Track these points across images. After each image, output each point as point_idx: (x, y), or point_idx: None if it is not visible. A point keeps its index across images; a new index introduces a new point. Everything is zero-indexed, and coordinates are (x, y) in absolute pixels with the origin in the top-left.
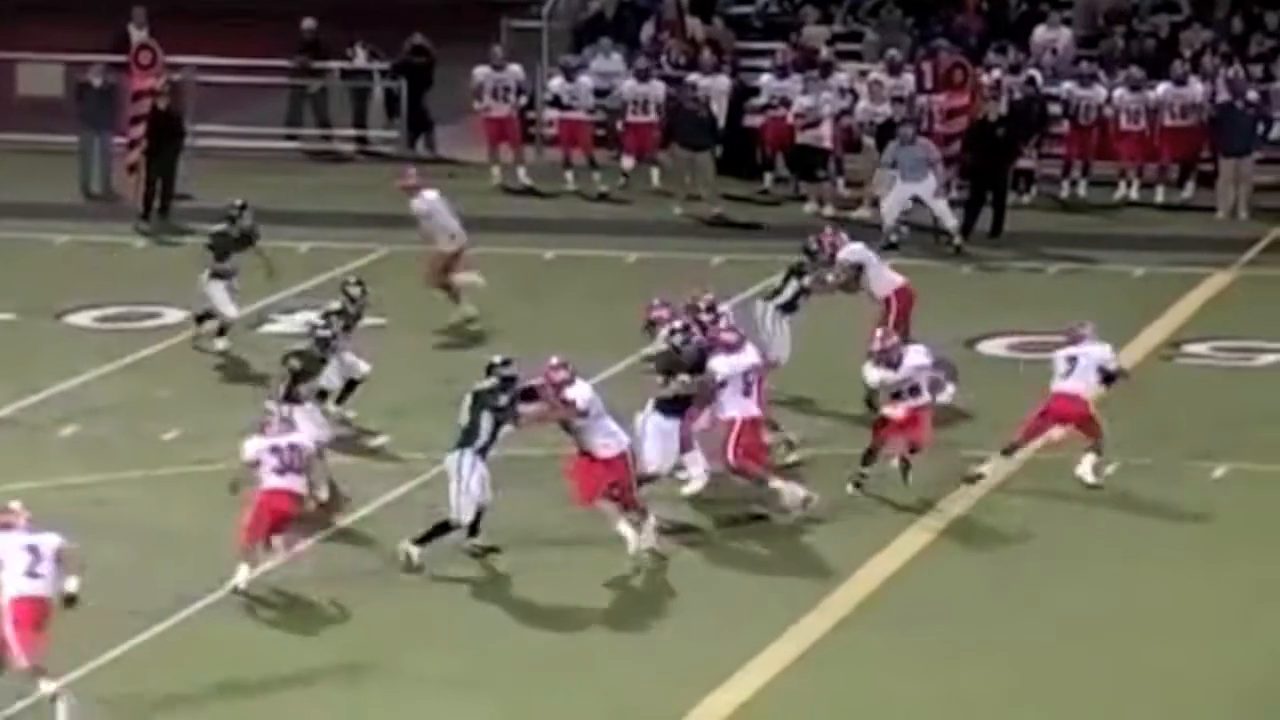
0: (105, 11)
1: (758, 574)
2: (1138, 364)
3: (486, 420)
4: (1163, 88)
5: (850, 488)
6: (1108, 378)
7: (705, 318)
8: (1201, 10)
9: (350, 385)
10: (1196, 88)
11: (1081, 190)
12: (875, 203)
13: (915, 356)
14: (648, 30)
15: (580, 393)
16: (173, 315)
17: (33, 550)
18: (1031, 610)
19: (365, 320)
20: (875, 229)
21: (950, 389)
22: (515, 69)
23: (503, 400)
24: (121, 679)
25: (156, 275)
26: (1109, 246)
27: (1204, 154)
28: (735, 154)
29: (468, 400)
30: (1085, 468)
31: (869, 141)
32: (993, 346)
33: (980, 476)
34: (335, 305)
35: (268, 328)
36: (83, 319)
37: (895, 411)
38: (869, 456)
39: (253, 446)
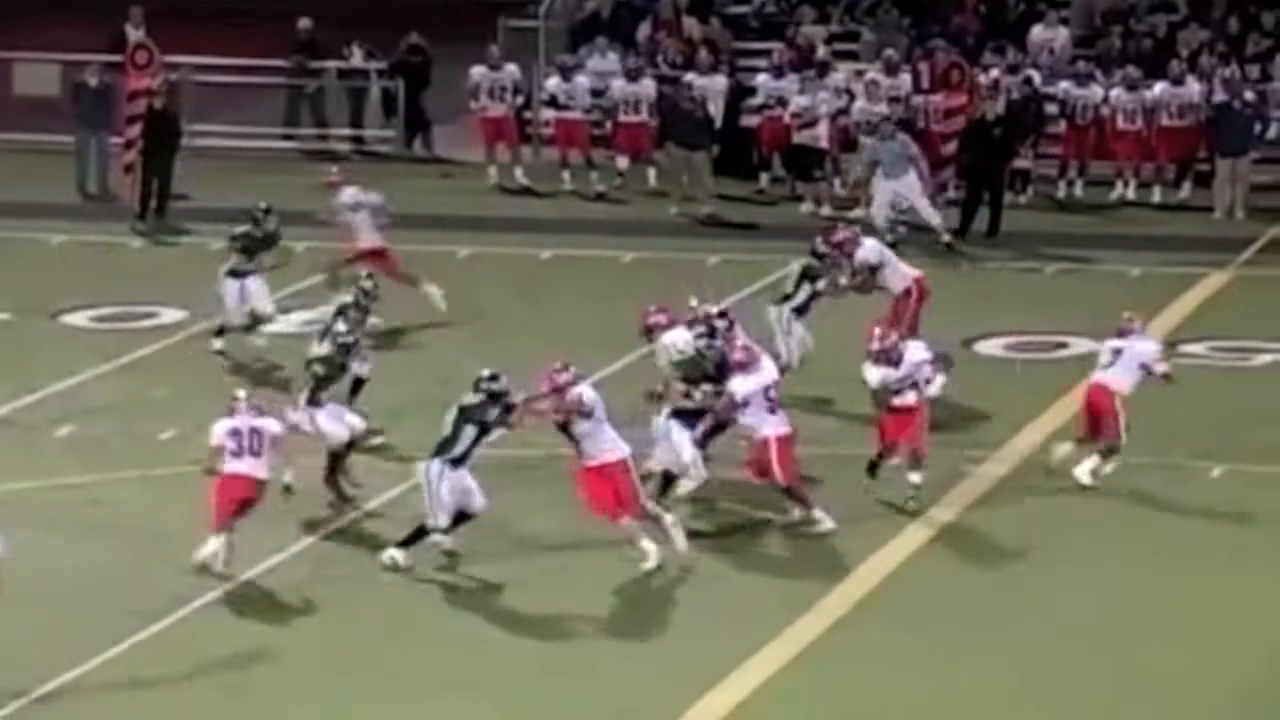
0: (102, 11)
1: (755, 574)
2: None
3: (468, 433)
4: (1159, 87)
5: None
6: (1165, 375)
7: (720, 324)
8: (1198, 10)
9: (356, 384)
10: (1193, 87)
11: (1078, 190)
12: (870, 202)
13: (915, 352)
14: (644, 30)
15: (585, 393)
16: (169, 315)
17: None
18: (1030, 610)
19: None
20: (873, 229)
21: (939, 380)
22: (512, 69)
23: (490, 415)
24: (119, 678)
25: (153, 275)
26: (1105, 246)
27: (1201, 154)
28: (732, 154)
29: (453, 413)
30: (1084, 468)
31: (866, 141)
32: (989, 346)
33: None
34: (348, 298)
35: (265, 328)
36: (79, 319)
37: (905, 400)
38: (878, 461)
39: (217, 430)
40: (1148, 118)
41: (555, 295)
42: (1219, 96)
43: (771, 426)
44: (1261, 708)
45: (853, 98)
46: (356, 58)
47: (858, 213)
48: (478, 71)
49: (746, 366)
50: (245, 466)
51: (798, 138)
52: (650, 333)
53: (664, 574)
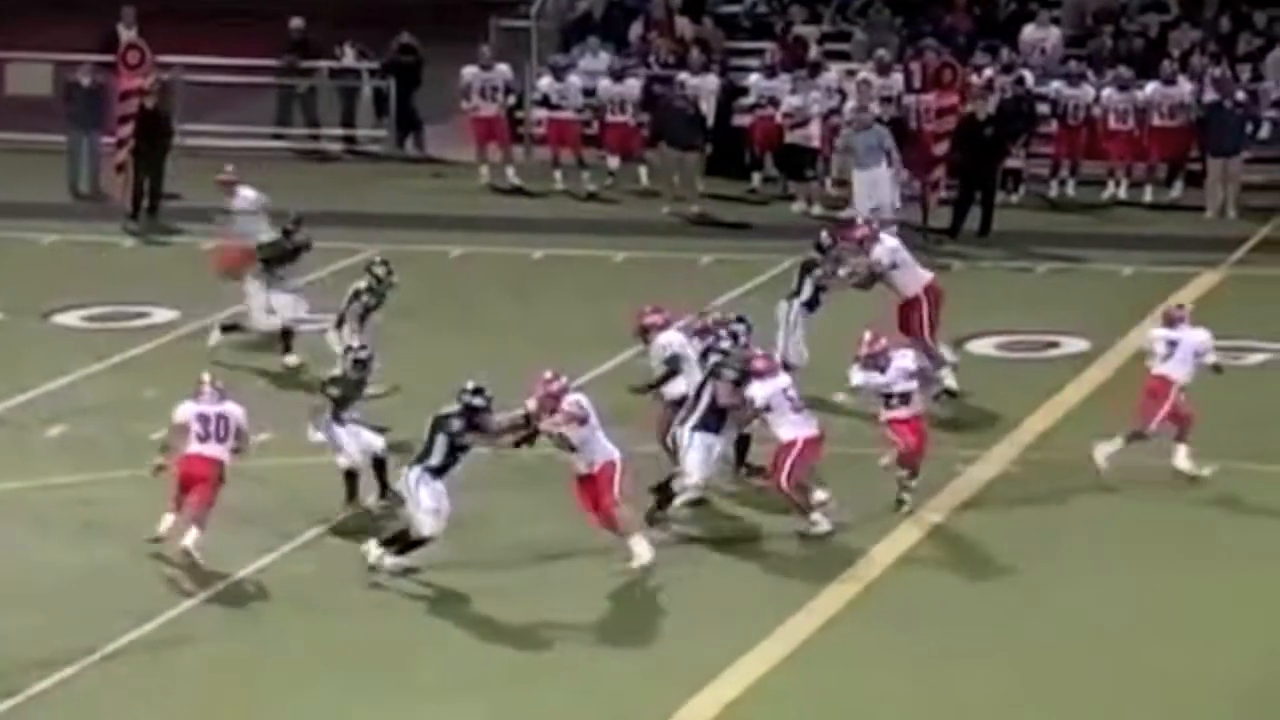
0: (94, 11)
1: (746, 574)
2: (1125, 364)
3: (441, 443)
4: (1151, 87)
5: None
6: (1214, 366)
7: (739, 328)
8: (1190, 10)
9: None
10: (1185, 87)
11: (1070, 189)
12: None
13: (902, 361)
14: (636, 29)
15: (579, 401)
16: (161, 315)
17: None
18: (1023, 610)
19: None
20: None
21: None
22: (503, 68)
23: (456, 426)
24: (110, 678)
25: (145, 275)
26: (1097, 246)
27: (1192, 153)
28: (724, 153)
29: (429, 421)
30: (1180, 458)
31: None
32: (982, 346)
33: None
34: (361, 284)
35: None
36: (70, 319)
37: (896, 414)
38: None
39: (182, 412)
40: (1139, 117)
41: (547, 295)
42: (1210, 96)
43: (797, 430)
44: (1261, 708)
45: (845, 97)
46: (348, 57)
47: (849, 212)
48: (469, 71)
49: (764, 374)
50: (209, 449)
51: (790, 137)
52: (645, 333)
53: (654, 573)
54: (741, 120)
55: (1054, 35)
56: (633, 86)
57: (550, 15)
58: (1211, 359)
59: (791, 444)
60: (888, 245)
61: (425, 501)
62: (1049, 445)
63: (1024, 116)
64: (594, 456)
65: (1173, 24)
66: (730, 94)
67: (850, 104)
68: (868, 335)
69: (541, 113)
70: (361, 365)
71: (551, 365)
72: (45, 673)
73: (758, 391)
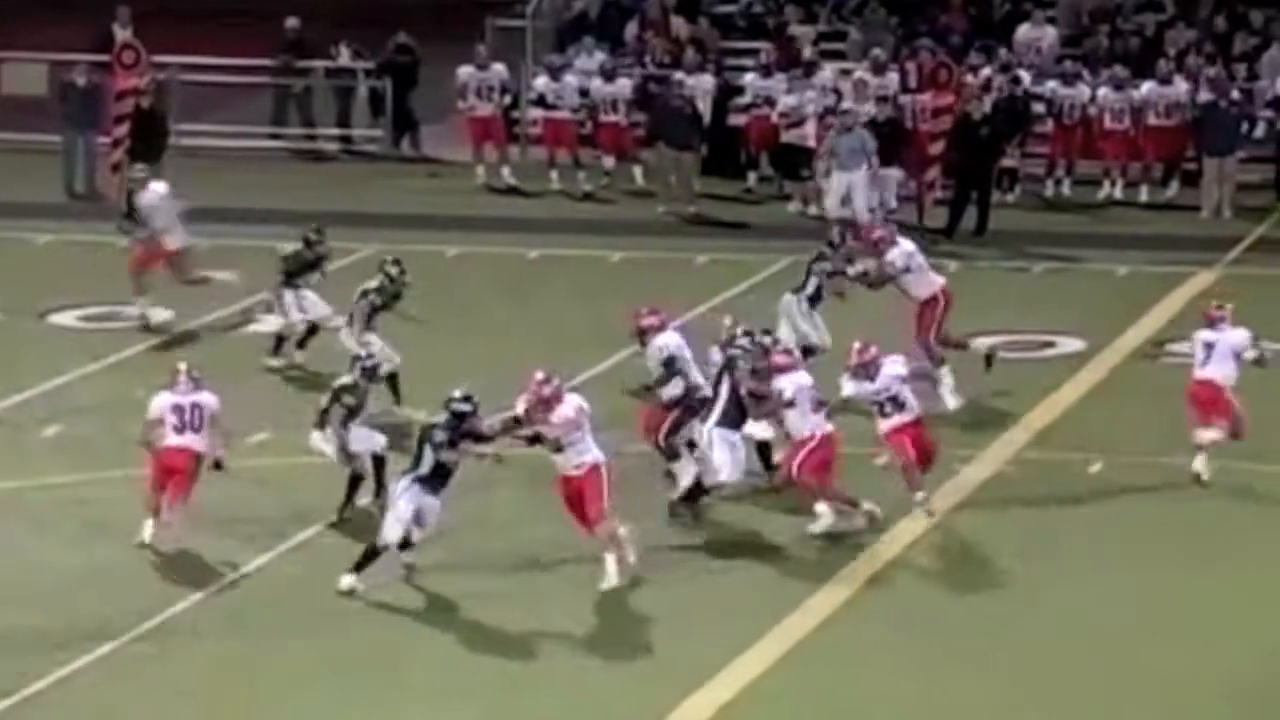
0: (90, 11)
1: (742, 574)
2: (1121, 363)
3: (428, 455)
4: (1147, 87)
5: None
6: (1256, 360)
7: (767, 340)
8: (1185, 9)
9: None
10: (1181, 87)
11: (1066, 189)
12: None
13: (893, 367)
14: (632, 29)
15: (570, 406)
16: (156, 315)
17: None
18: (1020, 610)
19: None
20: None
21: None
22: (499, 68)
23: (439, 436)
24: (107, 678)
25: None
26: (1093, 245)
27: (1188, 153)
28: (720, 153)
29: (418, 433)
30: (1204, 438)
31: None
32: (978, 345)
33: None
34: (372, 283)
35: (250, 328)
36: (66, 318)
37: (892, 423)
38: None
39: (157, 404)
40: (1135, 117)
41: (543, 295)
42: (1206, 96)
43: (816, 425)
44: (1261, 708)
45: (840, 97)
46: (344, 57)
47: (843, 212)
48: (465, 71)
49: (786, 369)
50: (185, 440)
51: (785, 137)
52: (643, 335)
53: (652, 576)
54: (737, 120)
55: (1050, 35)
56: (624, 86)
57: (546, 15)
58: (1251, 354)
59: (809, 438)
60: (904, 249)
61: (400, 509)
62: (1045, 445)
63: (1019, 116)
64: (582, 458)
65: (1168, 23)
66: (726, 94)
67: (846, 103)
68: (857, 345)
69: (537, 112)
70: (371, 373)
71: (548, 365)
72: (42, 672)
73: (785, 384)
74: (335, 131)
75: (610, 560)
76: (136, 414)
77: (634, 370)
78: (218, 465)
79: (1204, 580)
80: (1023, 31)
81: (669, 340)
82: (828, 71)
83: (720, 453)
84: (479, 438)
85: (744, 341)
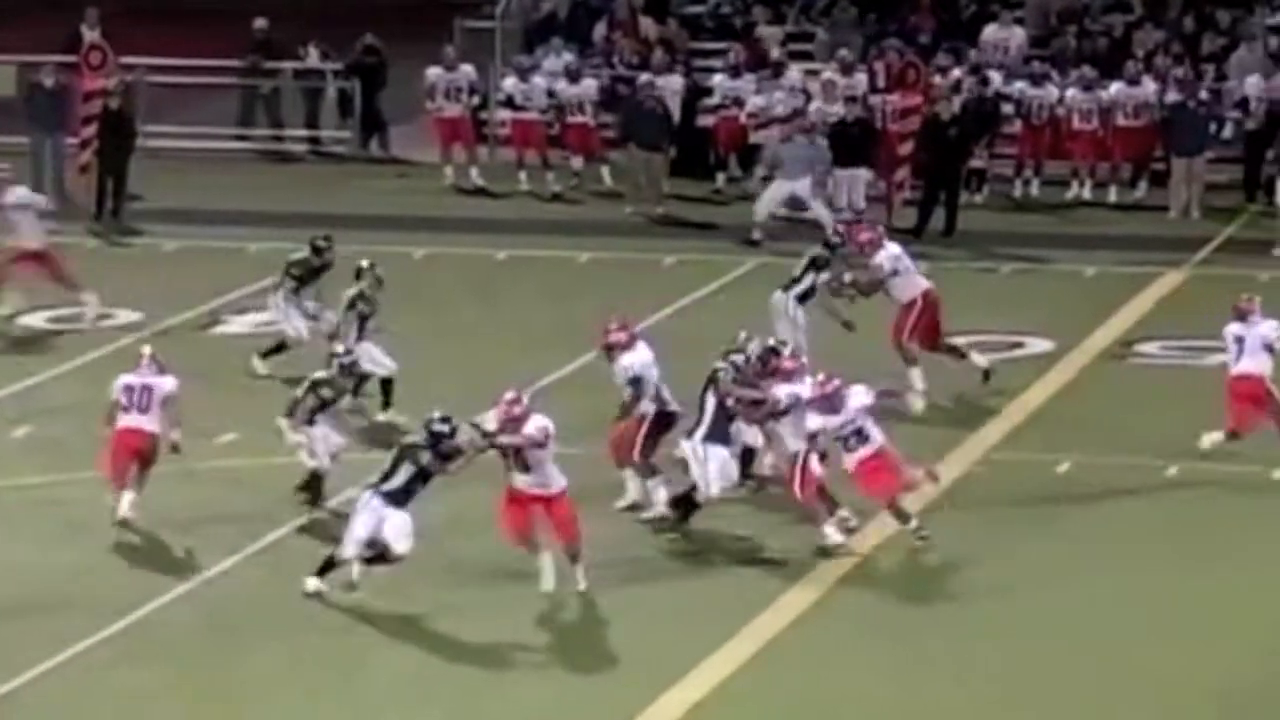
0: (58, 11)
1: (713, 572)
2: (1089, 364)
3: (404, 470)
4: (1115, 87)
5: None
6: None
7: (787, 359)
8: (1153, 10)
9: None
10: (1149, 87)
11: (1034, 190)
12: (829, 203)
13: (857, 398)
14: (600, 30)
15: (538, 425)
16: (125, 316)
17: None
18: (993, 611)
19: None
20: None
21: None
22: (468, 69)
23: (424, 458)
24: (80, 677)
25: (109, 276)
26: (1061, 246)
27: (1156, 153)
28: (688, 154)
29: (395, 449)
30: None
31: (822, 141)
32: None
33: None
34: (354, 291)
35: (218, 329)
36: (35, 320)
37: (859, 456)
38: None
39: (115, 385)
40: (1103, 117)
41: (511, 295)
42: (1174, 96)
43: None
44: (1240, 710)
45: (809, 98)
46: (312, 58)
47: (812, 213)
48: (433, 72)
49: (791, 375)
50: (134, 421)
51: (754, 138)
52: (610, 350)
53: (621, 572)
54: (705, 121)
55: (1018, 35)
56: (589, 87)
57: (514, 16)
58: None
59: (800, 454)
60: (890, 252)
61: (355, 529)
62: (1014, 446)
63: (988, 117)
64: (547, 480)
65: (1136, 24)
66: (694, 94)
67: (815, 104)
68: (820, 376)
69: (505, 113)
70: (348, 370)
71: (516, 365)
72: (14, 673)
73: (782, 391)
74: (303, 133)
75: (549, 562)
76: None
77: (602, 372)
78: (175, 449)
79: (1175, 580)
80: (990, 32)
81: (635, 360)
82: (796, 72)
83: (712, 466)
84: (453, 459)
85: (737, 358)
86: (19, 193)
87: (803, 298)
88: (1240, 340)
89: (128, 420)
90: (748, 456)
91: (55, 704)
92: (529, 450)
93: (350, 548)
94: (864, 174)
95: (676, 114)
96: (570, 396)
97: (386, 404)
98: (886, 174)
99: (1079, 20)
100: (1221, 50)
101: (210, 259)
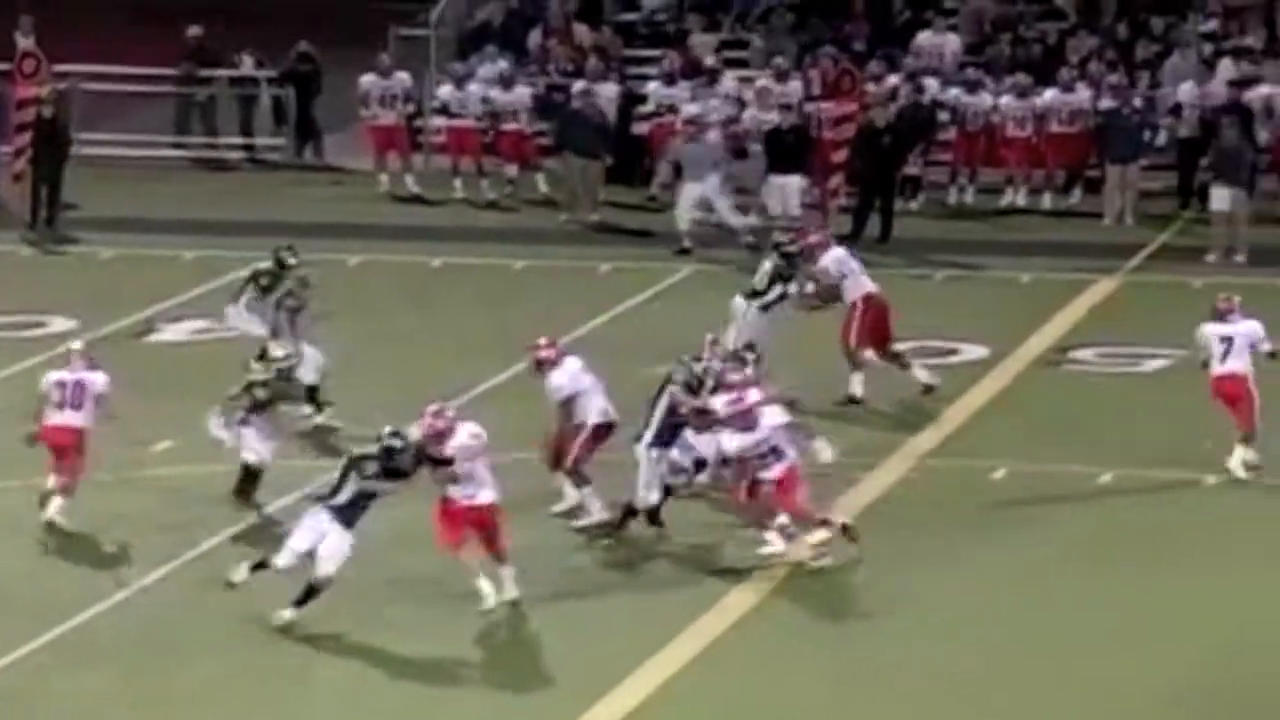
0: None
1: (650, 579)
2: (1023, 371)
3: (350, 485)
4: (1049, 94)
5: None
6: (1271, 354)
7: (749, 355)
8: (1087, 17)
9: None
10: (1083, 94)
11: (969, 197)
12: (762, 210)
13: (772, 416)
14: (535, 37)
15: (471, 433)
16: (59, 324)
17: None
18: (924, 616)
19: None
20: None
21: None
22: (402, 76)
23: (370, 469)
24: (18, 683)
25: (43, 284)
26: (996, 253)
27: (1091, 160)
28: (623, 161)
29: (343, 461)
30: (1235, 461)
31: (756, 149)
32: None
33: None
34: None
35: (154, 336)
36: None
37: (773, 474)
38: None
39: (45, 381)
40: (1038, 124)
41: (447, 303)
42: (1108, 103)
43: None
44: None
45: (744, 105)
46: (247, 65)
47: (749, 220)
48: (368, 80)
49: (735, 387)
50: (65, 418)
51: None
52: (539, 367)
53: (558, 580)
54: (640, 128)
55: (952, 42)
56: (524, 94)
57: (449, 24)
58: (1267, 346)
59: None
60: (835, 254)
61: (296, 540)
62: (949, 452)
63: (923, 124)
64: (476, 490)
65: (1070, 31)
66: (629, 102)
67: (750, 111)
68: (733, 395)
69: (440, 121)
70: (285, 375)
71: (451, 373)
72: None
73: (719, 403)
74: (238, 140)
75: (485, 582)
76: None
77: (536, 380)
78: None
79: (1111, 585)
80: (924, 38)
81: (563, 380)
82: (731, 80)
83: (652, 473)
84: (400, 476)
85: (698, 365)
86: None
87: (764, 309)
88: (1228, 340)
89: (58, 417)
90: (700, 467)
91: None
92: (460, 461)
93: (284, 557)
94: (799, 181)
95: (611, 121)
96: (505, 404)
97: (317, 407)
98: (821, 181)
99: (1013, 27)
100: (1155, 57)
101: (146, 267)
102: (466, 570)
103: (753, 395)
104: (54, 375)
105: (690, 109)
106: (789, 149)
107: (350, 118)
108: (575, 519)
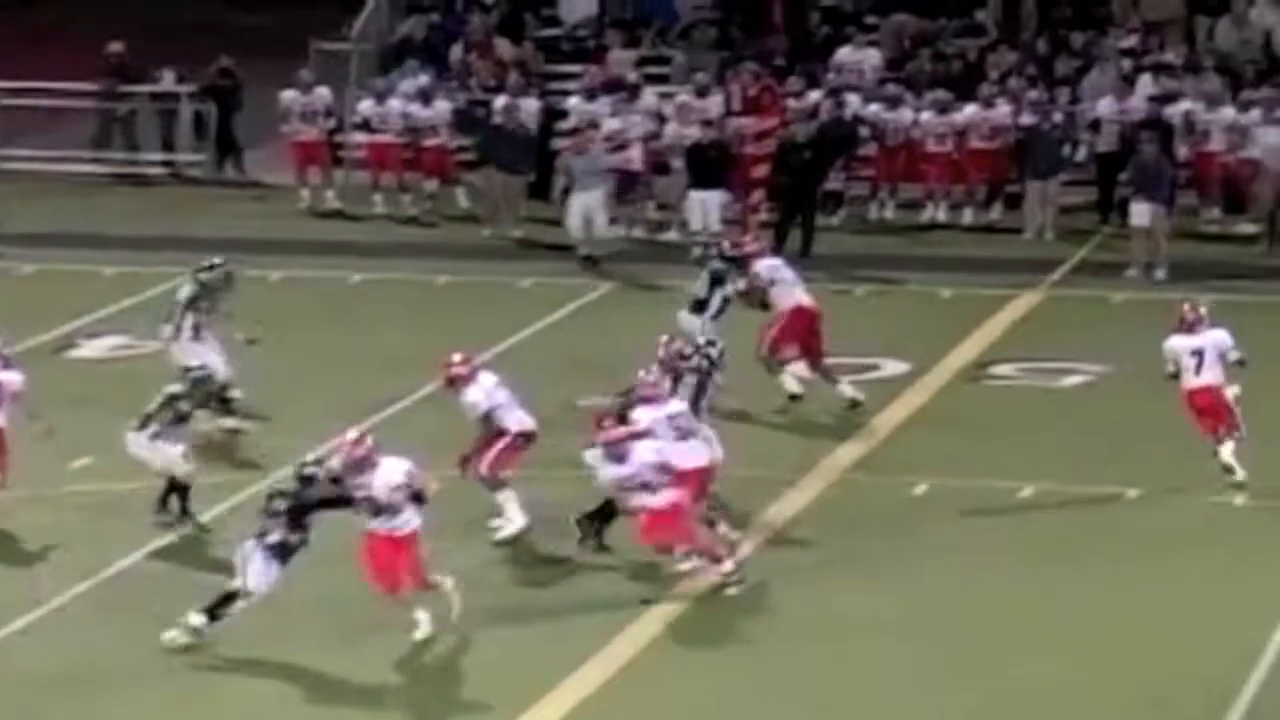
0: None
1: (570, 596)
2: (944, 385)
3: (275, 527)
4: (969, 110)
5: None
6: (1239, 362)
7: (713, 351)
8: (1008, 33)
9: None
10: (1003, 110)
11: (889, 212)
12: (683, 225)
13: (645, 452)
14: (456, 52)
15: (402, 470)
16: None
17: None
18: (844, 630)
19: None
20: (682, 249)
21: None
22: (323, 92)
23: (279, 505)
24: None
25: None
26: (916, 268)
27: (1011, 176)
28: (544, 176)
29: (266, 493)
30: (1226, 451)
31: (677, 164)
32: (800, 368)
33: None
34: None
35: (73, 352)
36: None
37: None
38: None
39: None
40: (958, 140)
41: (368, 318)
42: (1028, 118)
43: (678, 458)
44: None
45: (664, 120)
46: (167, 81)
47: (669, 235)
48: (288, 95)
49: (650, 400)
50: None
51: (610, 161)
52: (452, 384)
53: (482, 597)
54: (561, 143)
55: (872, 58)
56: (444, 109)
57: (370, 38)
58: (1235, 355)
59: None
60: (768, 262)
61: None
62: (870, 468)
63: (844, 139)
64: (396, 521)
65: (990, 47)
66: (550, 117)
67: (671, 126)
68: (608, 422)
69: (361, 136)
70: (200, 384)
71: (373, 388)
72: None
73: (642, 417)
74: (159, 156)
75: (421, 613)
76: None
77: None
78: (48, 433)
79: (1030, 598)
80: (844, 54)
81: (478, 396)
82: (651, 95)
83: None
84: (311, 506)
85: (713, 350)
86: None
87: (716, 317)
88: (1199, 353)
89: None
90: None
91: None
92: (385, 496)
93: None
94: (720, 196)
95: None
96: (426, 419)
97: (226, 414)
98: (743, 196)
99: (933, 43)
100: (1075, 72)
101: (66, 282)
102: (402, 604)
103: (642, 420)
104: None
105: (611, 124)
106: (710, 164)
107: (271, 133)
108: (496, 533)
